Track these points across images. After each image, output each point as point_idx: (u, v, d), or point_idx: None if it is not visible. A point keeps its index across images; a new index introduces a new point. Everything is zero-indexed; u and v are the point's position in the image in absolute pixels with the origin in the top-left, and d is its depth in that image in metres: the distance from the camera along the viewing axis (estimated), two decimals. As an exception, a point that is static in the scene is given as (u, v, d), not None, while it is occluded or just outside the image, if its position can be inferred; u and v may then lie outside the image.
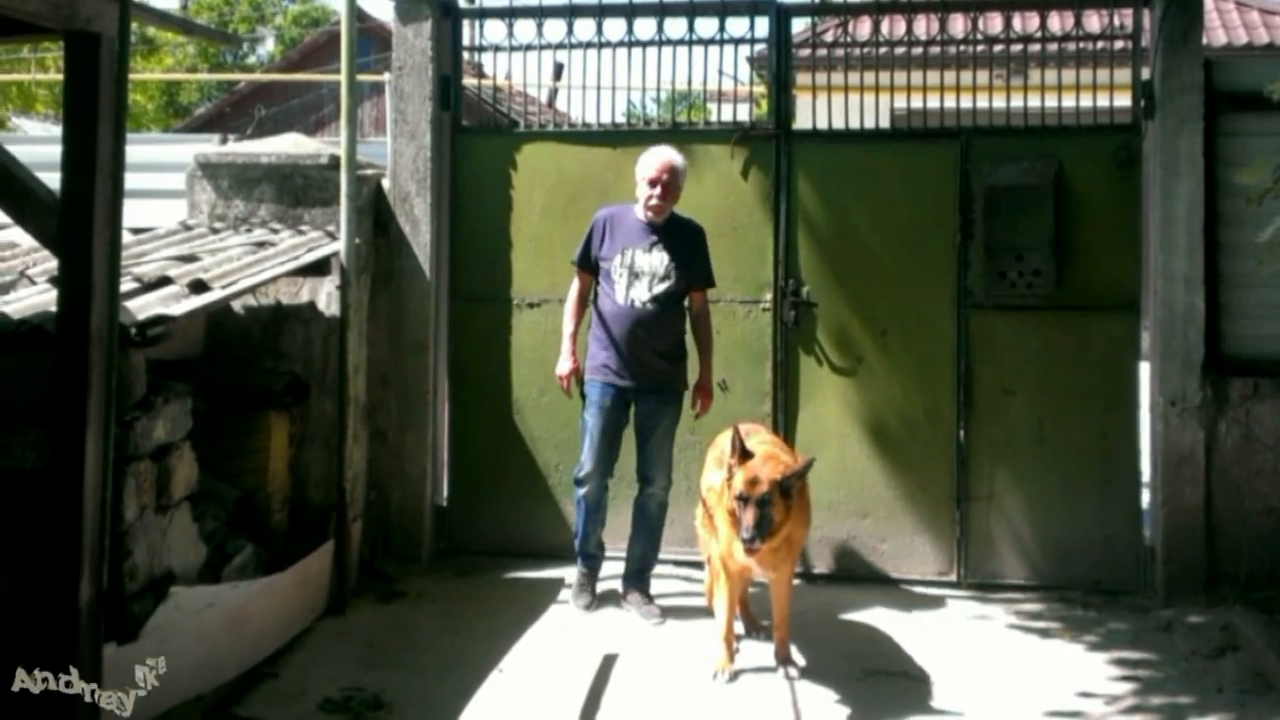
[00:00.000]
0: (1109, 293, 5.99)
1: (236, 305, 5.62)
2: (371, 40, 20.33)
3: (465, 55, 6.76)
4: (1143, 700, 4.69)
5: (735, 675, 4.82)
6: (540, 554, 6.34)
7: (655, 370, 5.58)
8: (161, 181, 6.58)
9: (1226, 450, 5.79)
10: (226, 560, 4.87)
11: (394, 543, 6.30)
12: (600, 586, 5.81)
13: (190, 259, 5.21)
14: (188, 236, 5.87)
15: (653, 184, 5.51)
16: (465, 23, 6.69)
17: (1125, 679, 4.89)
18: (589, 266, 5.68)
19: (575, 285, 5.75)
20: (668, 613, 5.60)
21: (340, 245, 5.65)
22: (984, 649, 5.25)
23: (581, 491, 5.65)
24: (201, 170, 6.28)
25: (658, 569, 5.87)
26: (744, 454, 4.65)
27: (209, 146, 6.88)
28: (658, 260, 5.53)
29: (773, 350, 6.24)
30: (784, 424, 6.16)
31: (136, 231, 5.77)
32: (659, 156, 5.55)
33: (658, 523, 5.71)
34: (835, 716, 4.55)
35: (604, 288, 5.62)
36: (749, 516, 4.52)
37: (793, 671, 4.85)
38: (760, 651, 5.06)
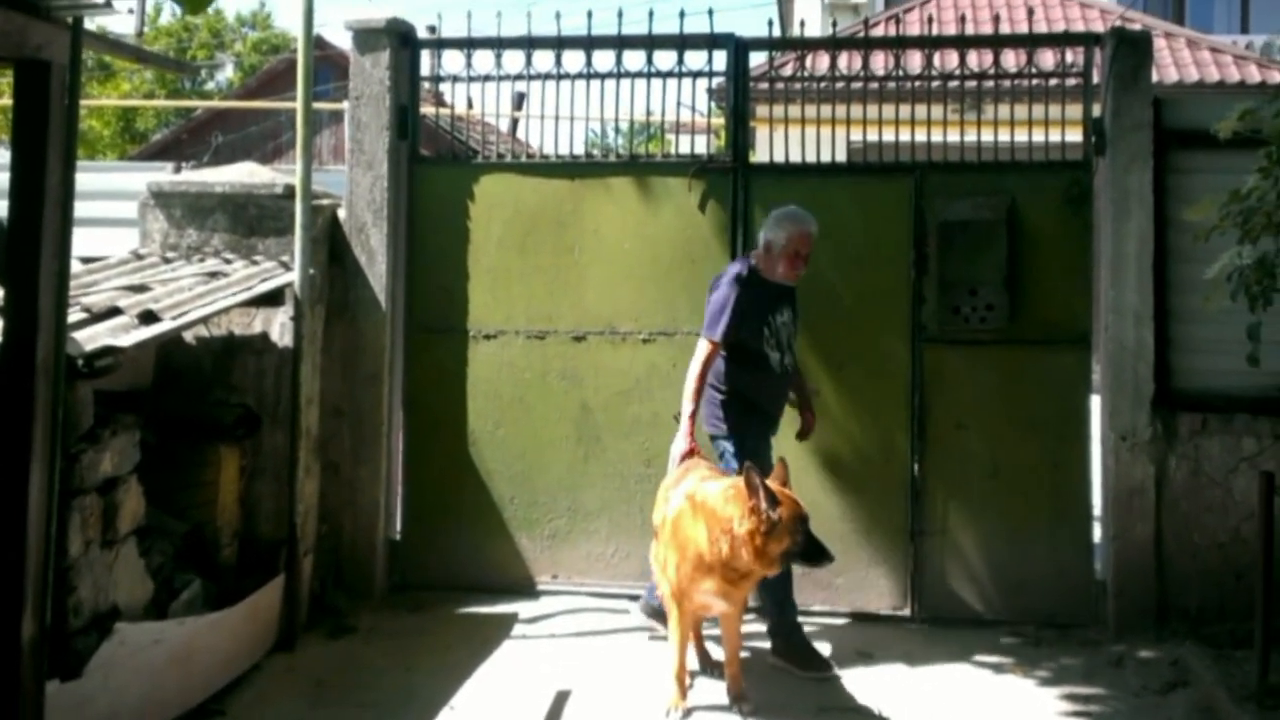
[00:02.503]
0: (1061, 327, 6.05)
1: (188, 336, 5.56)
2: (331, 68, 20.34)
3: (424, 85, 6.75)
4: (1094, 735, 4.71)
5: (688, 713, 4.78)
6: (495, 589, 6.30)
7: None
8: (113, 210, 6.52)
9: (1176, 485, 5.85)
10: (174, 595, 4.79)
11: (346, 577, 6.22)
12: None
13: (141, 289, 5.15)
14: (139, 266, 5.81)
15: (804, 259, 5.42)
16: (424, 53, 6.71)
17: (1077, 714, 4.91)
18: (728, 341, 5.33)
19: (705, 357, 5.29)
20: (622, 648, 5.57)
21: (294, 276, 5.61)
22: (937, 684, 5.25)
23: None
24: (154, 199, 6.22)
25: (612, 604, 5.84)
26: (768, 491, 4.49)
27: (162, 175, 6.82)
28: (787, 318, 5.48)
29: (729, 383, 6.24)
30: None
31: (87, 261, 5.70)
32: (810, 229, 5.41)
33: None
34: (789, 753, 4.53)
35: (747, 359, 5.36)
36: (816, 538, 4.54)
37: (746, 708, 4.82)
38: (713, 689, 5.02)
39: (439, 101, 7.29)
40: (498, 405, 6.42)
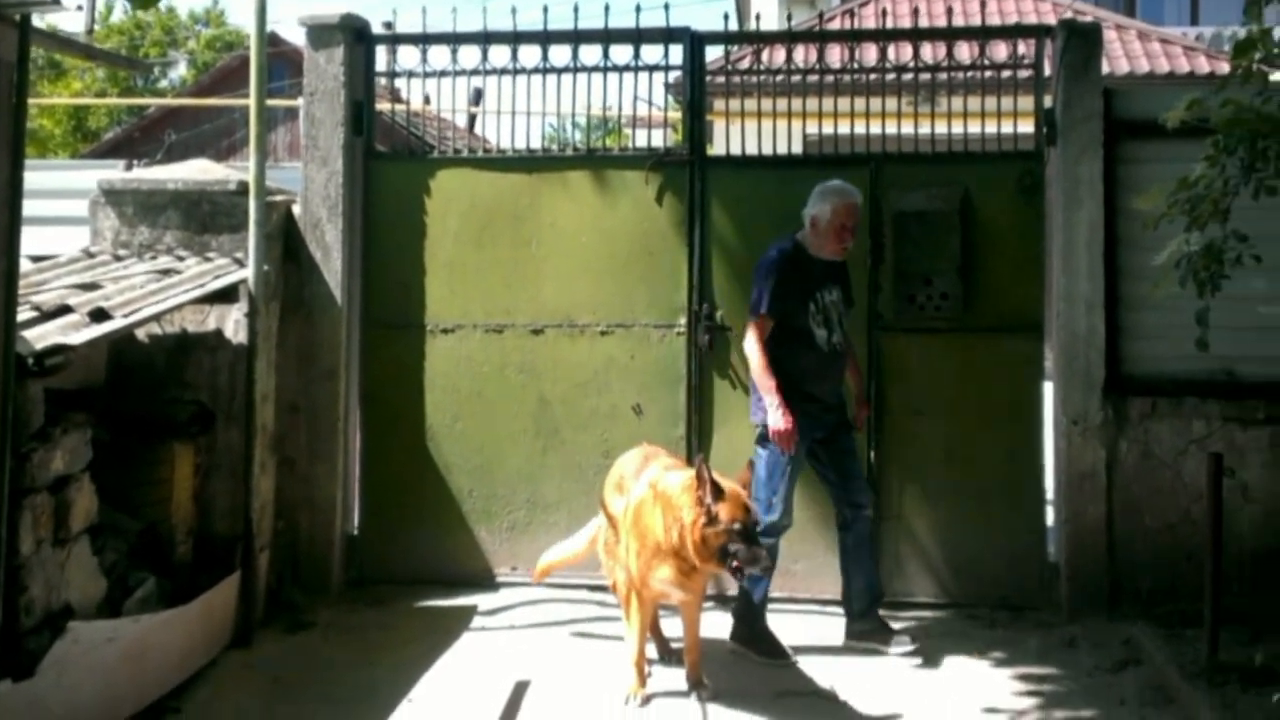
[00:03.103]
0: (1014, 315, 6.12)
1: (141, 333, 5.52)
2: (286, 65, 20.14)
3: (380, 81, 6.73)
4: (1046, 714, 4.77)
5: (648, 699, 4.81)
6: (453, 581, 6.30)
7: (840, 400, 5.59)
8: (64, 208, 6.45)
9: (1127, 468, 5.93)
10: (128, 593, 4.76)
11: (303, 573, 6.19)
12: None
13: (92, 287, 5.10)
14: (90, 264, 5.76)
15: (851, 230, 5.41)
16: (379, 48, 6.68)
17: (1030, 694, 4.97)
18: (774, 315, 5.34)
19: (755, 336, 5.30)
20: (580, 638, 5.60)
21: (248, 272, 5.58)
22: (893, 667, 5.30)
23: (771, 541, 5.17)
24: (105, 196, 6.16)
25: (570, 594, 5.85)
26: (716, 486, 4.51)
27: (113, 172, 6.75)
28: (836, 296, 5.47)
29: (687, 374, 6.27)
30: (699, 447, 6.17)
31: (36, 259, 5.64)
32: (855, 200, 5.42)
33: (870, 542, 5.67)
34: (748, 739, 4.56)
35: (792, 336, 5.35)
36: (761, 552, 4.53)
37: (705, 694, 4.85)
38: (672, 676, 5.05)
39: (395, 97, 7.25)
40: (456, 399, 6.42)
